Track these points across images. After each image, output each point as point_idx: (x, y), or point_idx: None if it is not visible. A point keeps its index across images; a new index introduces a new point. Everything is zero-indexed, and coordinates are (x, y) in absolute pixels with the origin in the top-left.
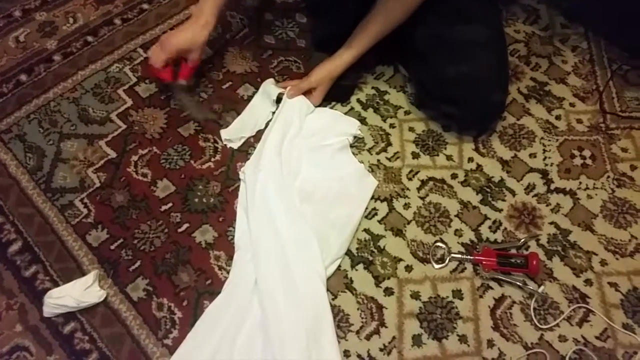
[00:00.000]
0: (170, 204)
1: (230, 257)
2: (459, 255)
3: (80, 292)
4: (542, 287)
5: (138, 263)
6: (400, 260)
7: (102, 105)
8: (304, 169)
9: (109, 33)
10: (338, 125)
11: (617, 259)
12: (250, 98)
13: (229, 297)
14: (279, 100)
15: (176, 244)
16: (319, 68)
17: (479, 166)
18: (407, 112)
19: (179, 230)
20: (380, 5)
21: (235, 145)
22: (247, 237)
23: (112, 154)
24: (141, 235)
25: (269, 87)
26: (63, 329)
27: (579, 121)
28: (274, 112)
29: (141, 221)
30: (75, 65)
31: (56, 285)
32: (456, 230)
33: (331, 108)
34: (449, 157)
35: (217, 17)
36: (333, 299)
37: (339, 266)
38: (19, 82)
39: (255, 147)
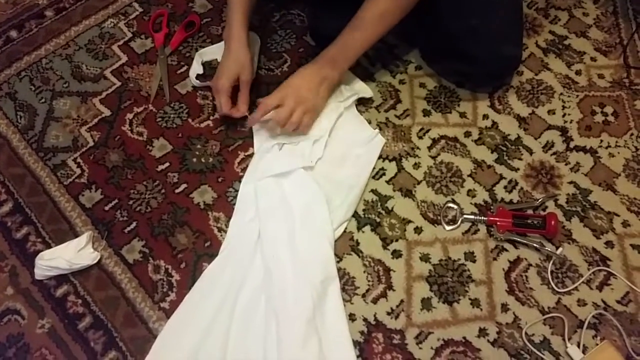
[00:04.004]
0: (167, 164)
1: (230, 218)
2: (472, 216)
3: (73, 253)
4: (560, 249)
5: (134, 224)
6: (409, 221)
7: (95, 61)
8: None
9: None
10: (348, 87)
11: None
12: None
13: (228, 259)
14: None
15: (173, 205)
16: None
17: (494, 123)
18: (417, 67)
19: (177, 190)
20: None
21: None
22: (250, 197)
23: (106, 112)
24: (137, 196)
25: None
26: (55, 291)
27: (601, 76)
28: None
29: (137, 181)
30: (68, 20)
31: (48, 247)
32: (469, 190)
33: None
34: (462, 115)
35: (247, 27)
36: (338, 262)
37: (345, 228)
38: (9, 38)
39: None
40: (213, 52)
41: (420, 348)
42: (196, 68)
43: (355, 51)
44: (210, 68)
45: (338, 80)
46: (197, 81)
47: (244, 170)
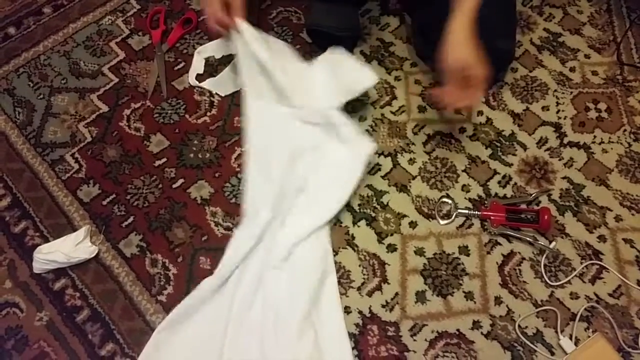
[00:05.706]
0: (164, 159)
1: (226, 213)
2: (466, 211)
3: (70, 247)
4: (553, 243)
5: (131, 219)
6: (404, 216)
7: (93, 58)
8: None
9: None
10: (348, 81)
11: (632, 214)
12: None
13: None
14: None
15: (171, 200)
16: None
17: (488, 119)
18: (413, 64)
19: (174, 185)
20: None
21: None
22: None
23: (104, 108)
24: (134, 191)
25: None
26: (54, 285)
27: (595, 73)
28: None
29: (134, 176)
30: (66, 17)
31: (46, 241)
32: (463, 185)
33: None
34: (457, 111)
35: None
36: (334, 256)
37: (341, 222)
38: (8, 35)
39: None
40: (211, 49)
41: (414, 340)
42: (197, 67)
43: None
44: (208, 65)
45: None
46: (197, 81)
47: (240, 165)
